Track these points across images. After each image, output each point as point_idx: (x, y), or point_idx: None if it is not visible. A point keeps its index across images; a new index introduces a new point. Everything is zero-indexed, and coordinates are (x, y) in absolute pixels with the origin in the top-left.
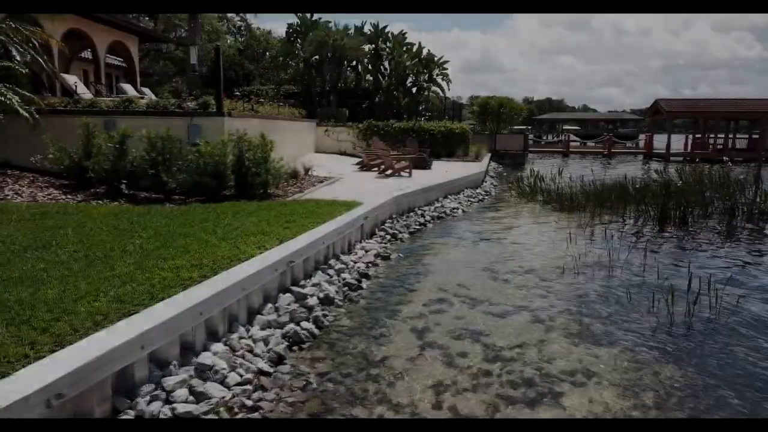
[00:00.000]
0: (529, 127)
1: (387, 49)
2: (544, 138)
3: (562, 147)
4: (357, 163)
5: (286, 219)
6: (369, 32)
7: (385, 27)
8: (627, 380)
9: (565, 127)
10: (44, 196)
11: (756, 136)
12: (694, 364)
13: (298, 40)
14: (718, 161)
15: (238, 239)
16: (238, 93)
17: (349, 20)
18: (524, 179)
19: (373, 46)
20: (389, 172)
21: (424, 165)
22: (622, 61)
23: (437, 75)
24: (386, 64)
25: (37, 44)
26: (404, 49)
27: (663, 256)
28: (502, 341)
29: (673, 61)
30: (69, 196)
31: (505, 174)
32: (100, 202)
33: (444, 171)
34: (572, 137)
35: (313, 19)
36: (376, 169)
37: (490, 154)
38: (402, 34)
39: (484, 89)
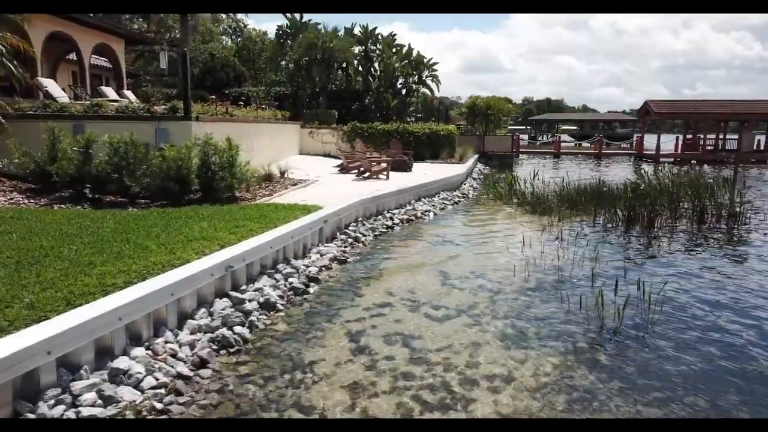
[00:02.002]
0: (528, 128)
1: (377, 51)
2: (540, 139)
3: (553, 148)
4: (338, 166)
5: (236, 224)
6: (359, 34)
7: (375, 28)
8: (542, 384)
9: (564, 127)
10: (6, 201)
11: None
12: (613, 369)
13: (288, 42)
14: (691, 163)
15: (178, 244)
16: (213, 96)
17: (340, 22)
18: (501, 181)
19: (363, 47)
20: (367, 174)
21: (405, 167)
22: (622, 61)
23: (427, 76)
24: (376, 65)
25: (4, 49)
26: (393, 50)
27: (618, 260)
28: (433, 344)
29: (673, 61)
30: (32, 201)
31: (482, 176)
32: (63, 206)
33: (423, 173)
34: (564, 138)
35: (303, 20)
36: (355, 171)
37: (476, 156)
38: (391, 36)
39: (484, 89)
